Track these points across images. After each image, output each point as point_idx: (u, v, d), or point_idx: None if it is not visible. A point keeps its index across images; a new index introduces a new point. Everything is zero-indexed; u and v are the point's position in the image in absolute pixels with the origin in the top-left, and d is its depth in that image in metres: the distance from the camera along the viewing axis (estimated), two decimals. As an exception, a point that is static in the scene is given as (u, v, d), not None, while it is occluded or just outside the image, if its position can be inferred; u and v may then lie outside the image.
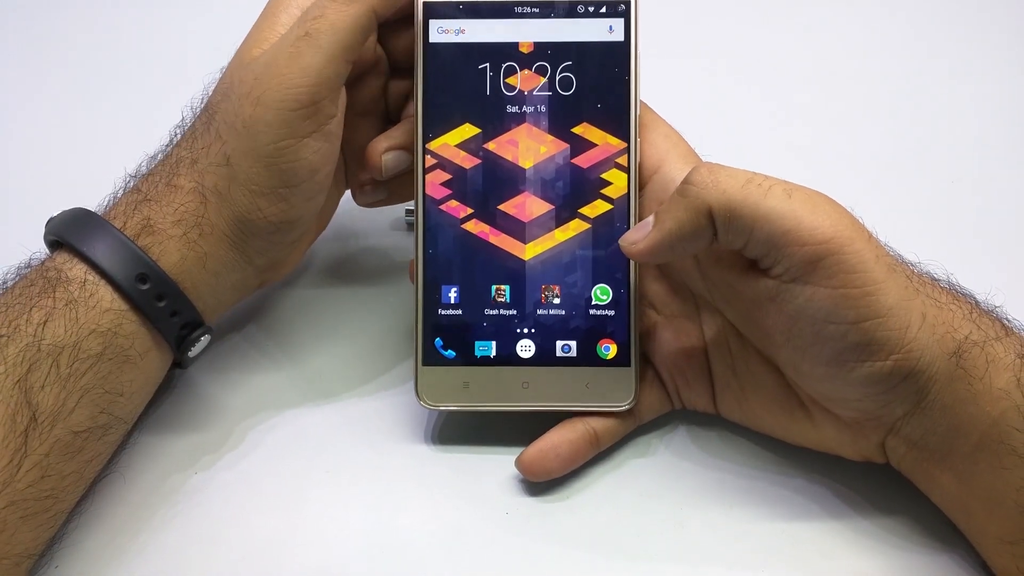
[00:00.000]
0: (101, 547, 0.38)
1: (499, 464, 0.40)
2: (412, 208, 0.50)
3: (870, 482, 0.39)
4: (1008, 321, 0.37)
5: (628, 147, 0.39)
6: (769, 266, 0.34)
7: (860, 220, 0.34)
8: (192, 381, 0.43)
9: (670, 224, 0.35)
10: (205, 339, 0.39)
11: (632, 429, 0.40)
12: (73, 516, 0.38)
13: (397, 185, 0.42)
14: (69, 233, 0.37)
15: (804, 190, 0.34)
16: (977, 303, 0.37)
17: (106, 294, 0.36)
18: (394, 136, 0.41)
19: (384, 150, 0.40)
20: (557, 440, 0.38)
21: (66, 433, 0.35)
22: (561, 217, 0.39)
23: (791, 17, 0.62)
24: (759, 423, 0.39)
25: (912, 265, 0.37)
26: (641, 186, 0.40)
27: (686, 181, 0.35)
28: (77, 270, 0.36)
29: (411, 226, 0.50)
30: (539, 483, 0.40)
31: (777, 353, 0.37)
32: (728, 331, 0.39)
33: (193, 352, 0.39)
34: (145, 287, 0.36)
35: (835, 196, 0.35)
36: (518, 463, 0.38)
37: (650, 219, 0.36)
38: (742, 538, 0.38)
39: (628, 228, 0.39)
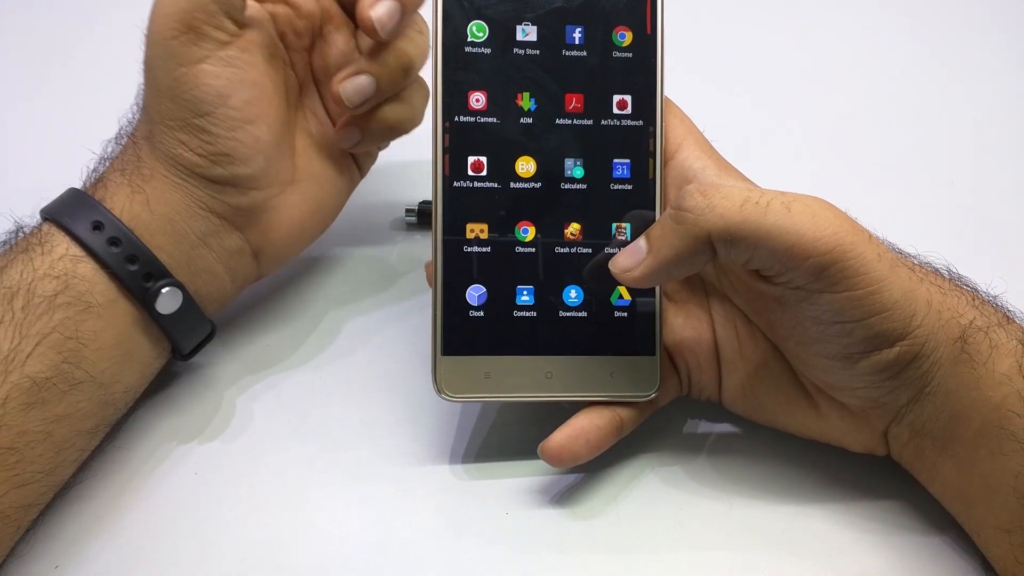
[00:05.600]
0: (101, 546, 0.37)
1: (499, 462, 0.40)
2: (412, 208, 0.50)
3: (870, 477, 0.39)
4: (1009, 310, 0.37)
5: (654, 131, 0.39)
6: (773, 275, 0.34)
7: (857, 221, 0.34)
8: (191, 379, 0.43)
9: (667, 252, 0.34)
10: (170, 292, 0.38)
11: (649, 415, 0.40)
12: (71, 513, 0.37)
13: (365, 122, 0.41)
14: (47, 208, 0.38)
15: (801, 200, 0.33)
16: (978, 292, 0.37)
17: (61, 241, 0.36)
18: (353, 66, 0.40)
19: (341, 79, 0.39)
20: (586, 425, 0.37)
21: (23, 379, 0.34)
22: None
23: (791, 18, 0.63)
24: (763, 412, 0.39)
25: (912, 257, 0.37)
26: None
27: (679, 207, 0.34)
28: (38, 227, 0.37)
29: (411, 225, 0.50)
30: (538, 482, 0.39)
31: (783, 344, 0.37)
32: (736, 316, 0.39)
33: (163, 307, 0.38)
34: (99, 233, 0.37)
35: (835, 197, 0.35)
36: (543, 450, 0.37)
37: (641, 243, 0.35)
38: (742, 536, 0.38)
39: (655, 214, 0.39)
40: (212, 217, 0.39)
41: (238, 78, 0.38)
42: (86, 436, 0.37)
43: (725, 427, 0.42)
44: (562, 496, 0.39)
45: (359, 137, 0.42)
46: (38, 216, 0.38)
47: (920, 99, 0.58)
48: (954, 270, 0.38)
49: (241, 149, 0.39)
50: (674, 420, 0.42)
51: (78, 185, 0.39)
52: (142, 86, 0.39)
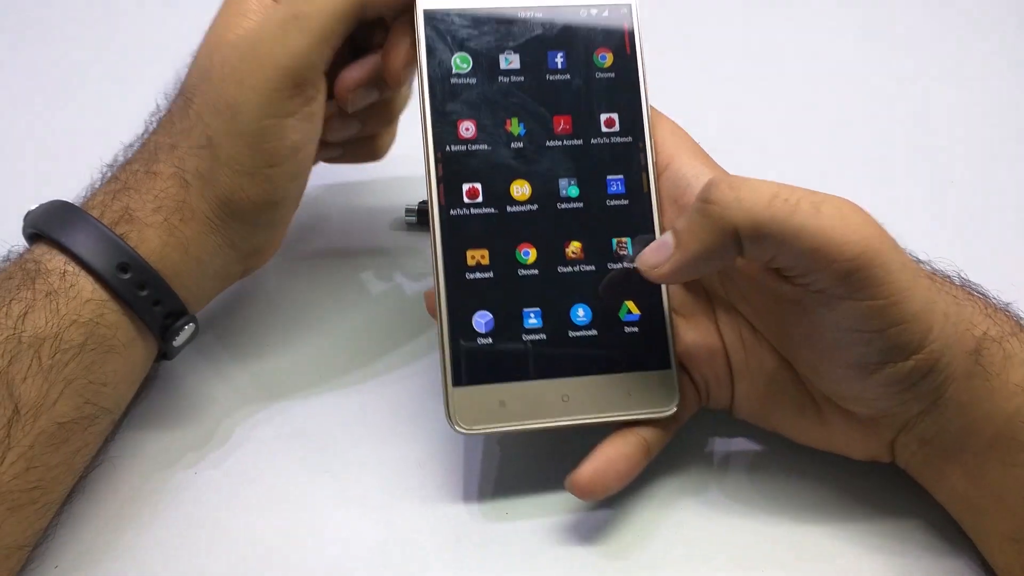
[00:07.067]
0: (101, 546, 0.37)
1: (499, 462, 0.40)
2: (412, 208, 0.50)
3: (873, 484, 0.39)
4: (1021, 318, 0.37)
5: (644, 146, 0.39)
6: (794, 276, 0.34)
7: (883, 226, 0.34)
8: (196, 378, 0.43)
9: (695, 246, 0.33)
10: (190, 328, 0.39)
11: (674, 432, 0.39)
12: (72, 514, 0.38)
13: (367, 116, 0.43)
14: (47, 225, 0.37)
15: (831, 201, 0.32)
16: (988, 298, 0.37)
17: (86, 284, 0.36)
18: (361, 68, 0.40)
19: (352, 87, 0.40)
20: (613, 455, 0.36)
21: (50, 424, 0.34)
22: None
23: (791, 17, 0.64)
24: (767, 420, 0.39)
25: (924, 263, 0.37)
26: None
27: (706, 199, 0.33)
28: (56, 261, 0.36)
29: (411, 225, 0.49)
30: (538, 482, 0.39)
31: (795, 352, 0.37)
32: (741, 326, 0.39)
33: (178, 341, 0.39)
34: (126, 276, 0.36)
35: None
36: (573, 484, 0.36)
37: (668, 239, 0.34)
38: (742, 542, 0.37)
39: (652, 227, 0.38)
40: (232, 252, 0.40)
41: (313, 134, 0.39)
42: (94, 455, 0.38)
43: (726, 430, 0.41)
44: (561, 496, 0.38)
45: (358, 127, 0.43)
46: (29, 229, 0.37)
47: (920, 98, 0.59)
48: (964, 276, 0.38)
49: (291, 197, 0.40)
50: (695, 438, 0.41)
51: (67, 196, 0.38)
52: (195, 114, 0.38)
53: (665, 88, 0.41)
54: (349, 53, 0.41)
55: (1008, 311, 0.36)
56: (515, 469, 0.40)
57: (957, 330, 0.34)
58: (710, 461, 0.41)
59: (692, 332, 0.39)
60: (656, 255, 0.35)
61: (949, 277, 0.37)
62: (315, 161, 0.43)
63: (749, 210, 0.32)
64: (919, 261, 0.37)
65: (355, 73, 0.40)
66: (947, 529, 0.37)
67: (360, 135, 0.44)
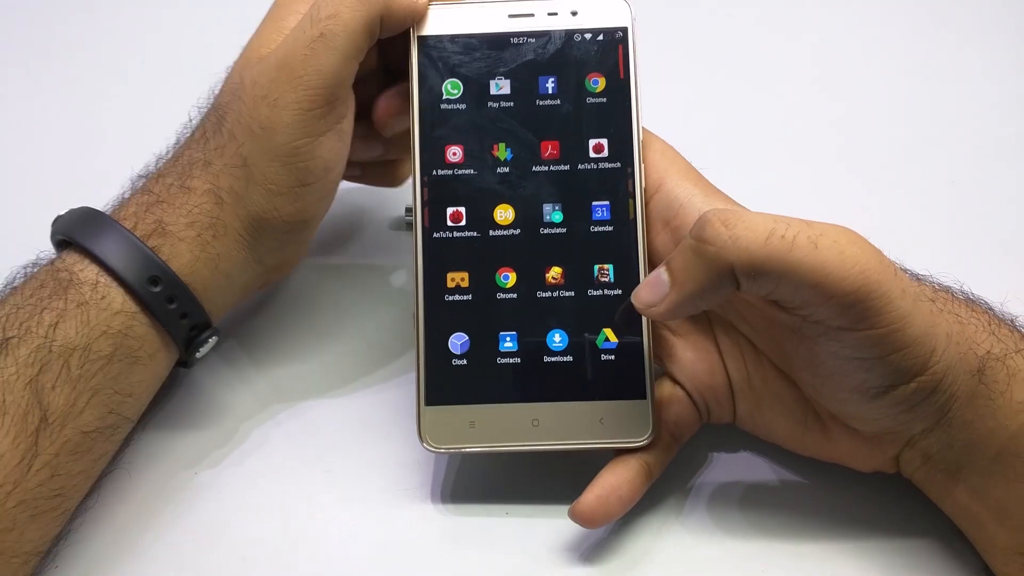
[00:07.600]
0: (102, 545, 0.38)
1: (499, 462, 0.40)
2: (412, 207, 0.50)
3: (878, 494, 0.39)
4: None
5: (633, 172, 0.39)
6: (793, 308, 0.33)
7: (883, 252, 0.33)
8: (195, 380, 0.44)
9: (690, 286, 0.33)
10: (213, 340, 0.40)
11: (676, 453, 0.39)
12: (76, 512, 0.38)
13: (392, 141, 0.44)
14: (79, 233, 0.37)
15: (829, 234, 0.32)
16: (993, 312, 0.36)
17: (117, 296, 0.37)
18: (401, 95, 0.42)
19: (395, 112, 0.41)
20: (615, 482, 0.37)
21: (76, 433, 0.35)
22: None
23: (788, 18, 0.62)
24: (770, 434, 0.39)
25: (925, 279, 0.37)
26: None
27: (700, 239, 0.32)
28: (88, 272, 0.37)
29: (411, 226, 0.50)
30: (535, 485, 0.39)
31: (796, 373, 0.37)
32: (743, 344, 0.39)
33: (200, 353, 0.40)
34: (156, 289, 0.37)
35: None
36: (574, 513, 0.36)
37: (662, 276, 0.34)
38: (744, 552, 0.38)
39: (636, 253, 0.38)
40: (259, 267, 0.41)
41: (344, 152, 0.40)
42: (109, 462, 0.39)
43: (729, 439, 0.41)
44: (561, 497, 0.38)
45: (382, 150, 0.44)
46: (59, 236, 0.38)
47: (920, 98, 0.57)
48: (966, 289, 0.37)
49: (320, 215, 0.41)
50: (694, 456, 0.41)
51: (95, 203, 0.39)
52: (228, 132, 0.38)
53: (658, 98, 0.41)
54: (381, 71, 0.42)
55: (1013, 325, 0.36)
56: (518, 472, 0.41)
57: (960, 350, 0.34)
58: (711, 477, 0.41)
59: (691, 352, 0.39)
60: (652, 294, 0.34)
61: (951, 291, 0.36)
62: (363, 159, 0.44)
63: (745, 249, 0.31)
64: (920, 277, 0.36)
65: (397, 99, 0.41)
66: (960, 547, 0.37)
67: (382, 159, 0.45)
